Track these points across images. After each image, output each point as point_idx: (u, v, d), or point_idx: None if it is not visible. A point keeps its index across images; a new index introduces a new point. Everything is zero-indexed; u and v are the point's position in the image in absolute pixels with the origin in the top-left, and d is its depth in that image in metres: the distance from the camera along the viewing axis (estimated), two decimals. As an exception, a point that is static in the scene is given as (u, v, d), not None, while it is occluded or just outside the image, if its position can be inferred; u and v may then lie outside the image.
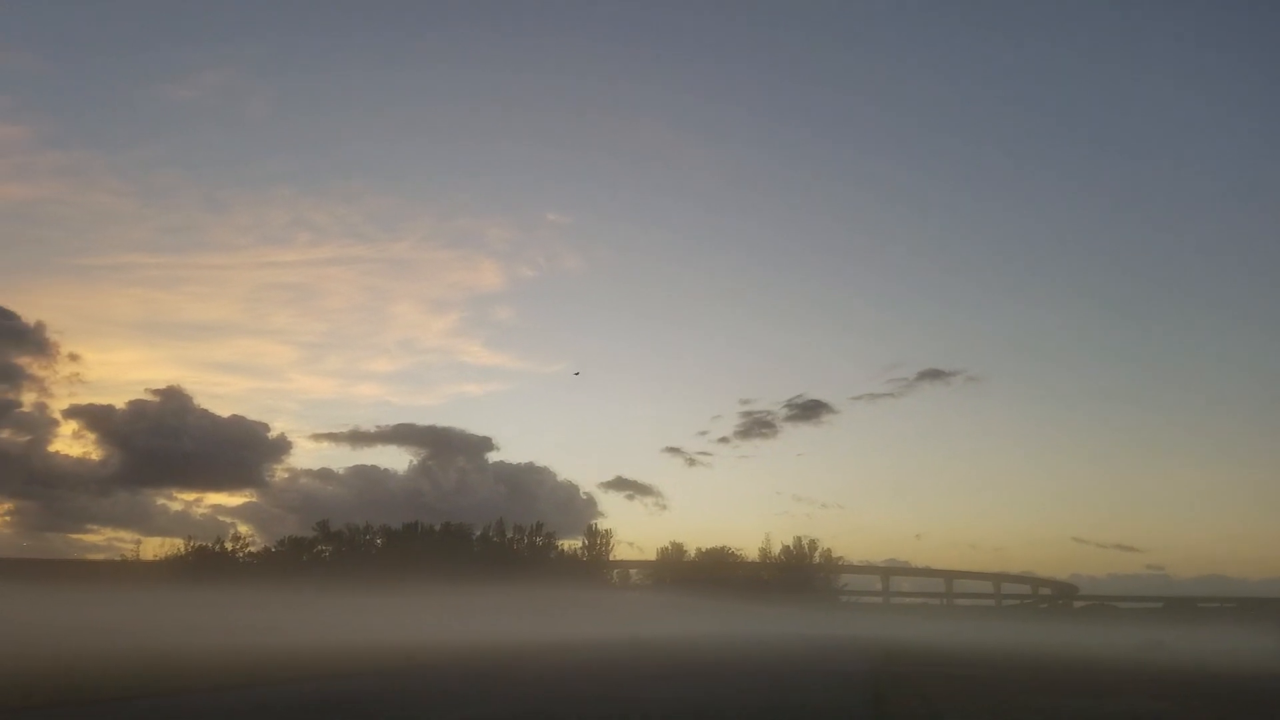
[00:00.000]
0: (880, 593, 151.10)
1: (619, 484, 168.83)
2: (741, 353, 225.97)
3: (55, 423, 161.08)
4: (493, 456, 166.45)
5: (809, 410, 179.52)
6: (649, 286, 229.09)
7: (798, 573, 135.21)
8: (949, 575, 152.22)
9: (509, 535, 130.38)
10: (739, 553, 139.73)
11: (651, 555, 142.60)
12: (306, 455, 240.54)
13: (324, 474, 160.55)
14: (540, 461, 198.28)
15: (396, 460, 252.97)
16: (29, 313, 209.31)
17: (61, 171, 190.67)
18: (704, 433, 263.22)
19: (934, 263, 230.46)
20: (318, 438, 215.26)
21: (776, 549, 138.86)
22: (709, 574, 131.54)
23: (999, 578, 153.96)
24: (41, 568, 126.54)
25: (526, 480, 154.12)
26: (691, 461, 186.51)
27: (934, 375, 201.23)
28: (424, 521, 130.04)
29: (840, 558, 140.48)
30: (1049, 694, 23.91)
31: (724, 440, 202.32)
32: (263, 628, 60.85)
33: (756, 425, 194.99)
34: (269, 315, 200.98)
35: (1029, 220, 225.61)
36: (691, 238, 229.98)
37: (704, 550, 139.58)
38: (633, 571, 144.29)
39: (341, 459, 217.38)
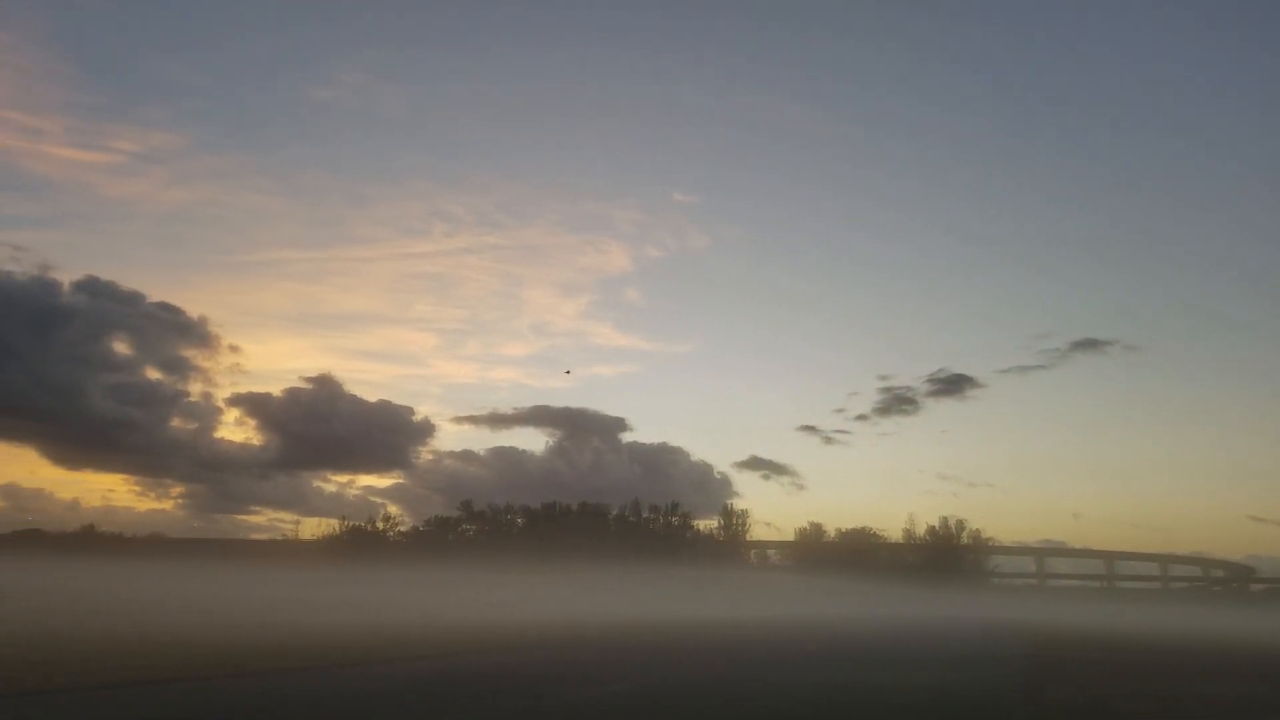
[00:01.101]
0: (1034, 575, 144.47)
1: (754, 464, 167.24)
2: (878, 327, 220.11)
3: (219, 411, 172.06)
4: (626, 437, 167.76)
5: (953, 385, 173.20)
6: (778, 263, 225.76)
7: (945, 554, 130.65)
8: (1109, 556, 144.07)
9: (645, 515, 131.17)
10: (881, 533, 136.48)
11: (789, 536, 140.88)
12: (449, 437, 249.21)
13: (466, 455, 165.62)
14: (674, 441, 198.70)
15: (534, 441, 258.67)
16: (192, 308, 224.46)
17: (216, 175, 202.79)
18: (840, 410, 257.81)
19: (1085, 223, 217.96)
20: (459, 420, 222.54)
21: (921, 529, 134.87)
22: (850, 555, 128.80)
23: (1165, 559, 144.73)
24: (211, 547, 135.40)
25: (660, 460, 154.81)
26: (828, 440, 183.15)
27: (1089, 345, 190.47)
28: (562, 501, 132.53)
29: (991, 538, 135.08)
30: (1220, 680, 21.71)
31: (862, 418, 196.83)
32: (414, 604, 62.86)
33: (896, 402, 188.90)
34: (410, 304, 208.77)
35: (1193, 175, 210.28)
36: (822, 212, 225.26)
37: (844, 531, 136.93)
38: (770, 552, 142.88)
39: (482, 440, 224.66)
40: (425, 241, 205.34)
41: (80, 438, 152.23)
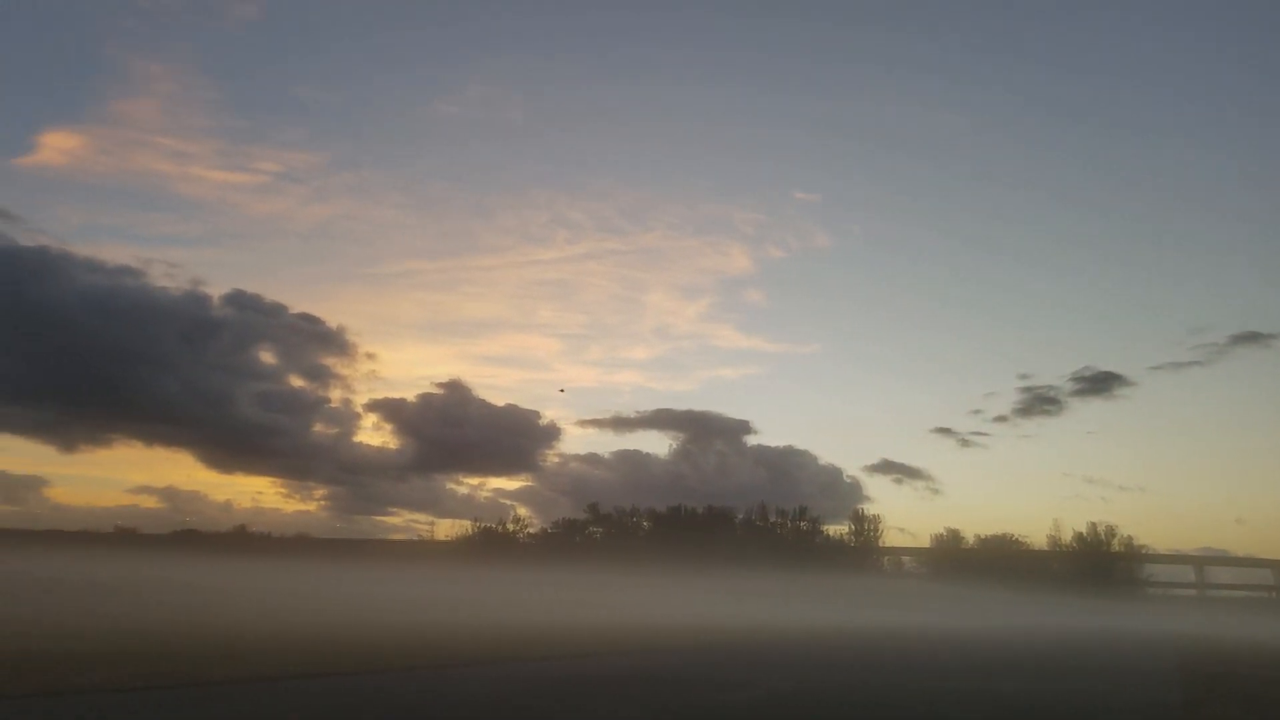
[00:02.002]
0: (1194, 584, 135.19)
1: (885, 467, 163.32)
2: (1018, 323, 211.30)
3: (358, 416, 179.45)
4: (751, 440, 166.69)
5: (1099, 383, 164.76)
6: (906, 260, 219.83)
7: (1093, 562, 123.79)
8: (1279, 566, 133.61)
9: (772, 519, 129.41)
10: (1024, 540, 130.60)
11: (924, 542, 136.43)
12: (574, 441, 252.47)
13: (591, 458, 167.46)
14: (800, 444, 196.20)
15: (657, 444, 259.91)
16: (331, 318, 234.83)
17: (352, 191, 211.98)
18: (978, 411, 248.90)
19: (1245, 206, 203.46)
20: (584, 424, 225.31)
21: (1067, 536, 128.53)
22: (990, 562, 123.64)
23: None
24: (353, 547, 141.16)
25: (787, 463, 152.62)
26: (965, 443, 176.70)
27: (1251, 338, 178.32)
28: (687, 504, 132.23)
29: (1144, 546, 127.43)
30: None
31: (1001, 419, 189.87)
32: (545, 605, 63.54)
33: (1038, 402, 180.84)
34: (535, 310, 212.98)
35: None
36: (952, 205, 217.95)
37: (984, 537, 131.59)
38: (905, 559, 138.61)
39: (606, 444, 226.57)
40: (548, 249, 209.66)
41: (231, 443, 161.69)
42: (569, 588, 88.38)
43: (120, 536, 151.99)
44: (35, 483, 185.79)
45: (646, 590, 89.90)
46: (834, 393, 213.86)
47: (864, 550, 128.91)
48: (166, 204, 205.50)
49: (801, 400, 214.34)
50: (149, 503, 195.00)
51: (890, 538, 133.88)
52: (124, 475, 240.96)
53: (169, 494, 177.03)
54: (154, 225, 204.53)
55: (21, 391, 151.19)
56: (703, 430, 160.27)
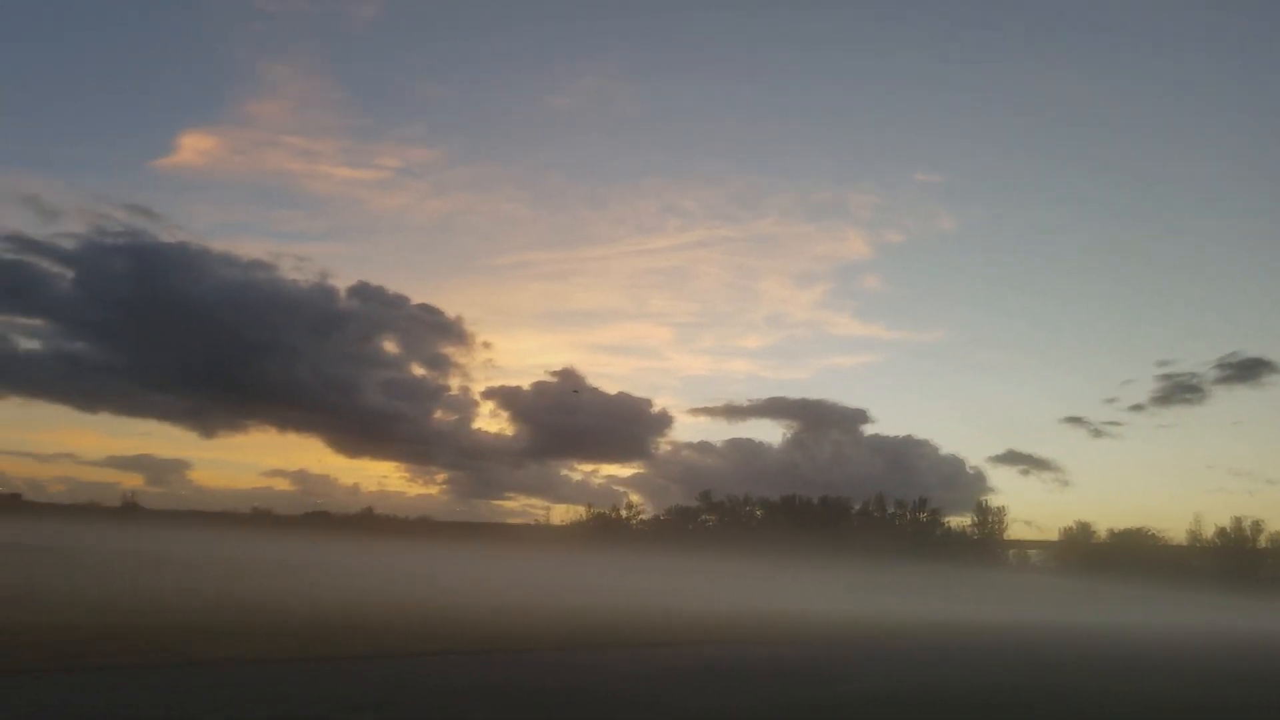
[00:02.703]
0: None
1: (1011, 458, 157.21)
2: (1156, 308, 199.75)
3: (476, 403, 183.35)
4: (868, 429, 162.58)
5: (1247, 370, 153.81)
6: (1035, 243, 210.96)
7: (1238, 558, 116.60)
8: None
9: (890, 510, 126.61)
10: (1161, 534, 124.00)
11: (1053, 535, 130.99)
12: (686, 429, 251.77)
13: (703, 447, 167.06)
14: (920, 434, 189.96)
15: (770, 433, 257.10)
16: (450, 308, 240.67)
17: (469, 185, 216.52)
18: (1112, 400, 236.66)
19: None
20: (695, 412, 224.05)
21: (1209, 531, 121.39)
22: (1124, 557, 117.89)
23: None
24: (473, 530, 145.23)
25: (906, 453, 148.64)
26: (1097, 433, 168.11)
27: None
28: (801, 494, 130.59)
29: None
30: None
31: (1137, 408, 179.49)
32: (660, 590, 63.83)
33: (1178, 390, 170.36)
34: (647, 299, 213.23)
35: None
36: (1083, 184, 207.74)
37: (1117, 531, 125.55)
38: (1031, 552, 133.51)
39: (718, 432, 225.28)
40: (660, 237, 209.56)
41: (357, 428, 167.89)
42: (684, 575, 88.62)
43: (257, 517, 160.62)
44: (180, 466, 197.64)
45: (761, 580, 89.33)
46: (957, 381, 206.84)
47: (988, 543, 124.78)
48: (296, 201, 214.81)
49: (922, 389, 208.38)
50: (282, 485, 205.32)
51: (1016, 531, 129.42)
52: (259, 459, 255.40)
53: (300, 477, 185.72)
54: (284, 221, 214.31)
55: (167, 380, 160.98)
56: (817, 419, 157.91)
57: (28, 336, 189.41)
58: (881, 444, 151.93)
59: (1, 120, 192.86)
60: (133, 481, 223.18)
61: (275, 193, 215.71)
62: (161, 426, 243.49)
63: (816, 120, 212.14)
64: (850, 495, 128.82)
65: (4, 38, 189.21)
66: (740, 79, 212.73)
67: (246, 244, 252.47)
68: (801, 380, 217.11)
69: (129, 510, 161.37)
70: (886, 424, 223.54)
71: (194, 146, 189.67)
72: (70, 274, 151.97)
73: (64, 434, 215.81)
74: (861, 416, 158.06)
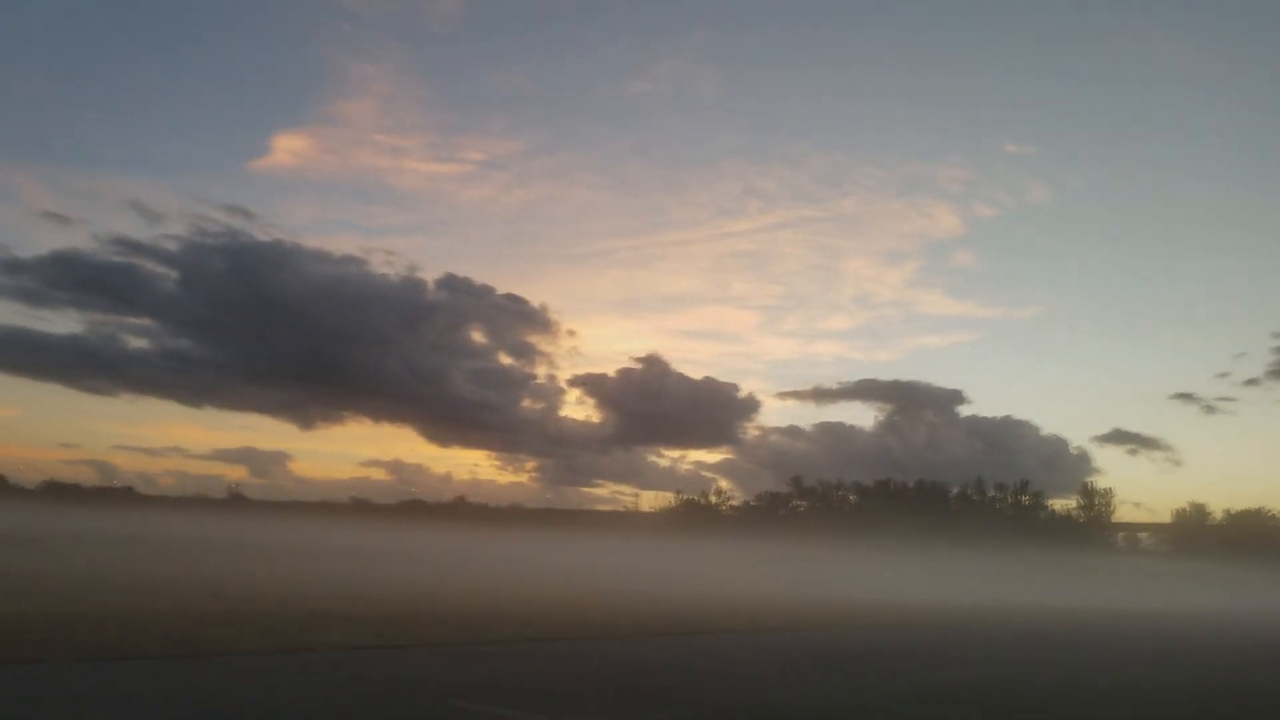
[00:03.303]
0: None
1: (1117, 437, 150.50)
2: (1270, 276, 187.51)
3: (562, 391, 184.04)
4: (964, 410, 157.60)
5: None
6: (1135, 213, 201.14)
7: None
8: None
9: (990, 494, 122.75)
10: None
11: (1164, 517, 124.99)
12: (774, 413, 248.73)
13: (792, 431, 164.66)
14: (1019, 414, 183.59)
15: (861, 416, 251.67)
16: (534, 297, 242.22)
17: (550, 174, 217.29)
18: (1225, 375, 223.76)
19: None
20: (783, 396, 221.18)
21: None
22: (1243, 540, 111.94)
23: None
24: (563, 517, 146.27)
25: (1004, 435, 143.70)
26: (1210, 409, 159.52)
27: None
28: (895, 478, 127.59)
29: None
30: None
31: (1253, 382, 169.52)
32: (753, 577, 62.94)
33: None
34: (729, 283, 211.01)
35: None
36: (1186, 150, 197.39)
37: (1234, 512, 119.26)
38: (1141, 535, 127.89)
39: (807, 416, 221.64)
40: (741, 220, 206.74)
41: (448, 418, 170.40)
42: (777, 561, 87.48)
43: (355, 507, 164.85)
44: (281, 458, 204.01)
45: (857, 565, 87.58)
46: (1057, 358, 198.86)
47: (1094, 526, 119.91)
48: (384, 196, 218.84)
49: (1019, 367, 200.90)
50: (378, 475, 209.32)
51: (1124, 513, 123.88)
52: (355, 450, 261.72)
53: (395, 466, 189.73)
54: (374, 217, 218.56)
55: (266, 374, 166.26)
56: (910, 401, 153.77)
57: (136, 336, 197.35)
58: (979, 425, 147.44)
59: (106, 128, 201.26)
60: (237, 473, 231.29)
61: (365, 189, 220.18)
62: (262, 420, 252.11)
63: (900, 94, 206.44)
64: (947, 479, 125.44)
65: (106, 50, 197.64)
66: (820, 56, 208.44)
67: (339, 240, 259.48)
68: (892, 361, 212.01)
69: (234, 501, 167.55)
70: (983, 404, 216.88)
71: (287, 147, 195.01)
72: (174, 274, 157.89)
73: (172, 429, 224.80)
74: (957, 397, 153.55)
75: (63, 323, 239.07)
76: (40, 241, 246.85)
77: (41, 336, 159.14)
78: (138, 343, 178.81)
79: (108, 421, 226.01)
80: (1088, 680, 15.21)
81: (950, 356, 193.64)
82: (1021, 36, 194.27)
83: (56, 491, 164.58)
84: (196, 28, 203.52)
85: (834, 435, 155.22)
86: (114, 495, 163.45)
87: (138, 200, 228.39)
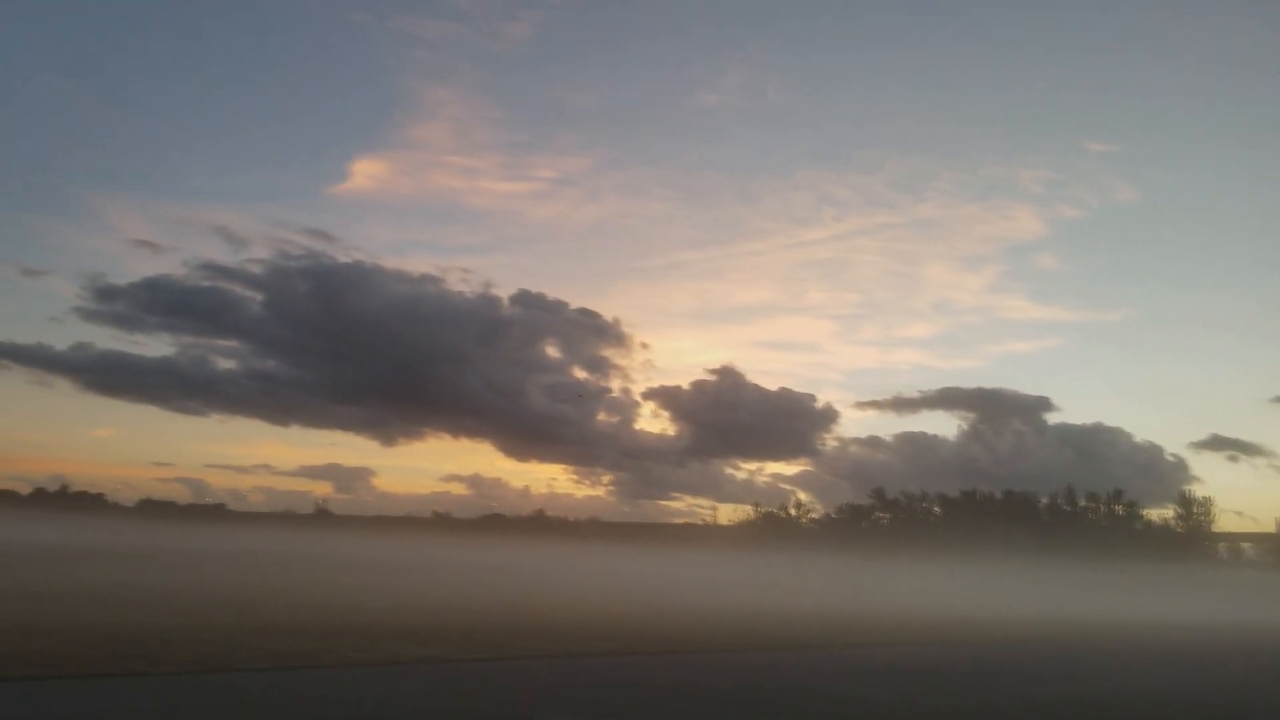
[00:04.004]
0: None
1: (1216, 443, 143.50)
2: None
3: (637, 404, 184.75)
4: (1052, 417, 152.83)
5: None
6: (1226, 210, 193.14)
7: None
8: None
9: (1081, 504, 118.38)
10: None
11: (1268, 527, 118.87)
12: (853, 423, 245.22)
13: (872, 441, 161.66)
14: (1110, 421, 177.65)
15: (944, 425, 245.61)
16: (607, 311, 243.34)
17: (621, 189, 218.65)
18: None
19: None
20: (862, 405, 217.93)
21: None
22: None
23: None
24: (641, 530, 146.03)
25: (1095, 442, 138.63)
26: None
27: None
28: (982, 489, 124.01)
29: None
30: None
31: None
32: (836, 591, 61.64)
33: None
34: (804, 292, 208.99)
35: None
36: (1276, 142, 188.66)
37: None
38: (1244, 545, 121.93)
39: (887, 426, 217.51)
40: (815, 228, 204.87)
41: (525, 432, 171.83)
42: (861, 575, 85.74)
43: (437, 521, 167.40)
44: (364, 474, 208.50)
45: (945, 579, 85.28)
46: (1149, 362, 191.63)
47: (1193, 537, 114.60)
48: (459, 216, 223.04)
49: (1109, 372, 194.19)
50: (458, 490, 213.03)
51: (1225, 522, 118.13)
52: (436, 465, 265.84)
53: (474, 481, 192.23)
54: (449, 236, 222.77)
55: (349, 392, 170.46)
56: (995, 409, 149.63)
57: (224, 357, 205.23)
58: (1068, 433, 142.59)
59: (195, 160, 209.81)
60: (322, 489, 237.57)
61: (440, 209, 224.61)
62: (346, 436, 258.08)
63: (977, 94, 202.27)
64: (1036, 489, 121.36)
65: (194, 87, 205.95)
66: (892, 60, 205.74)
67: (416, 260, 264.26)
68: (975, 368, 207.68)
69: (321, 516, 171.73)
70: (1072, 411, 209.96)
71: (366, 172, 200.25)
72: (259, 297, 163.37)
73: (260, 447, 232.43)
74: (1044, 404, 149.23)
75: (156, 346, 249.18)
76: (134, 269, 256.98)
77: (136, 360, 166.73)
78: (226, 364, 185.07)
79: (199, 441, 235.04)
80: (1235, 700, 14.24)
81: (1036, 362, 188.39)
82: (1102, 28, 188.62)
83: (152, 509, 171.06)
84: (277, 62, 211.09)
85: (916, 445, 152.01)
86: (206, 512, 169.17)
87: (224, 226, 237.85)
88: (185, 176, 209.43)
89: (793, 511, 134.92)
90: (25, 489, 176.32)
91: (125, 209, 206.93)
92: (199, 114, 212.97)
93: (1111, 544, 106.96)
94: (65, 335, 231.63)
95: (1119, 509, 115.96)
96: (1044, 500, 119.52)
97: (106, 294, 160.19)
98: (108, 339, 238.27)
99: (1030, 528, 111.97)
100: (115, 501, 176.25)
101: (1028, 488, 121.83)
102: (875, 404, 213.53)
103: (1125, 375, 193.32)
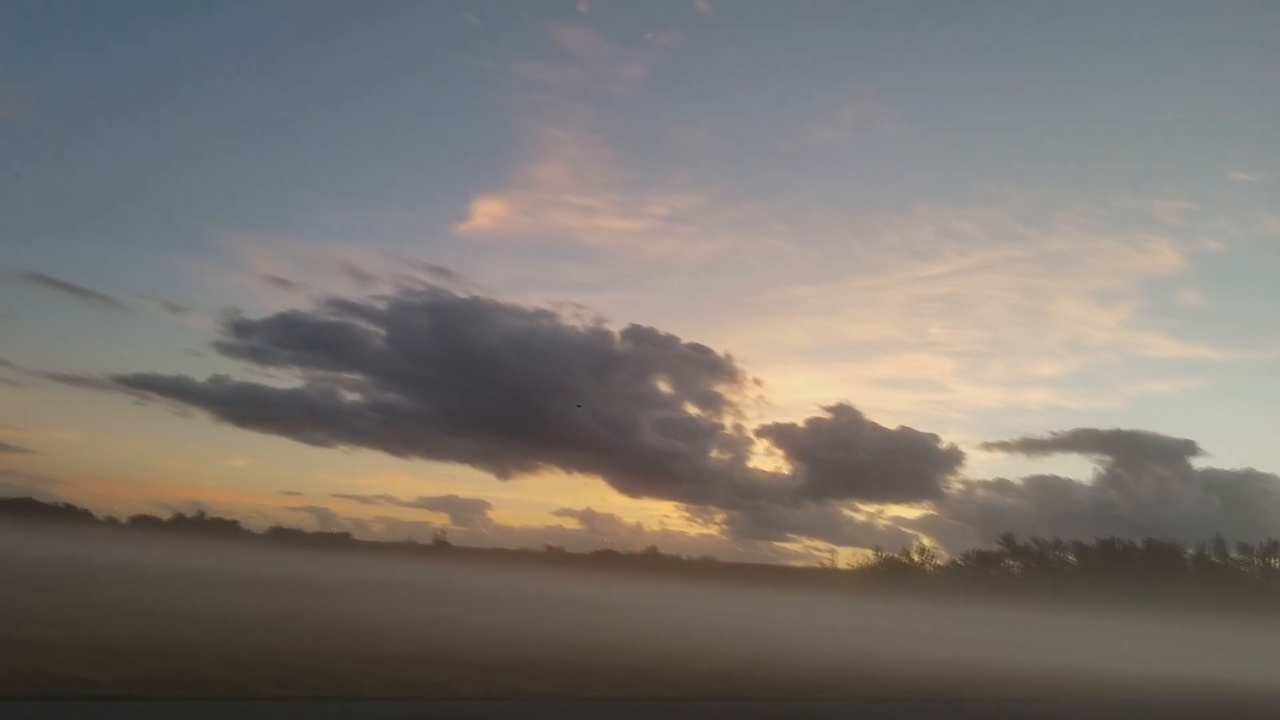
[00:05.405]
0: None
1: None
2: None
3: (750, 441, 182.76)
4: (1198, 462, 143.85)
5: None
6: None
7: None
8: None
9: (1232, 555, 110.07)
10: None
11: None
12: (979, 465, 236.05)
13: (1000, 485, 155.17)
14: (1262, 466, 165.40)
15: (1078, 469, 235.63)
16: (719, 347, 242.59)
17: (734, 225, 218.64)
18: None
19: None
20: (988, 447, 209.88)
21: None
22: None
23: None
24: (756, 572, 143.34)
25: (1247, 490, 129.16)
26: None
27: None
28: (1120, 538, 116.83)
29: None
30: None
31: None
32: (966, 641, 58.67)
33: None
34: (924, 328, 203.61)
35: None
36: None
37: None
38: None
39: (1016, 469, 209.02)
40: (936, 263, 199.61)
41: (637, 468, 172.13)
42: (990, 625, 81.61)
43: (550, 555, 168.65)
44: (480, 506, 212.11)
45: (1087, 632, 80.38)
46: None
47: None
48: (574, 253, 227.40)
49: (1263, 414, 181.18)
50: (570, 524, 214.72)
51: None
52: (549, 499, 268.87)
53: (587, 516, 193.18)
54: (564, 273, 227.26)
55: (466, 425, 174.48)
56: (1134, 452, 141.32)
57: (350, 390, 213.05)
58: (1216, 479, 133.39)
59: (324, 201, 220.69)
60: (441, 520, 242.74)
61: (556, 247, 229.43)
62: (463, 469, 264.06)
63: (1108, 121, 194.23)
64: (1181, 539, 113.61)
65: (322, 132, 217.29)
66: (1012, 89, 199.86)
67: (531, 296, 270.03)
68: (1111, 409, 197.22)
69: (440, 548, 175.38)
70: (1221, 456, 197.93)
71: (486, 211, 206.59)
72: (383, 332, 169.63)
73: (382, 478, 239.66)
74: (1189, 448, 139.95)
75: (286, 379, 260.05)
76: (267, 305, 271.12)
77: (269, 392, 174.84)
78: (351, 396, 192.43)
79: (326, 470, 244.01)
80: None
81: (1179, 403, 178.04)
82: (1244, 51, 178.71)
83: (282, 536, 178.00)
84: (405, 109, 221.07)
85: (1047, 490, 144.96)
86: (332, 540, 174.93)
87: (350, 264, 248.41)
88: (316, 216, 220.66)
89: (916, 557, 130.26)
90: (166, 514, 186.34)
91: (260, 247, 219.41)
92: (331, 158, 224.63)
93: (1267, 599, 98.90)
94: (204, 368, 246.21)
95: (1275, 562, 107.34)
96: (1190, 551, 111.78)
97: (242, 329, 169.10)
98: (243, 372, 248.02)
99: (1175, 580, 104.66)
100: (248, 529, 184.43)
101: (1171, 537, 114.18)
102: (1003, 445, 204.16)
103: (1278, 418, 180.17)
